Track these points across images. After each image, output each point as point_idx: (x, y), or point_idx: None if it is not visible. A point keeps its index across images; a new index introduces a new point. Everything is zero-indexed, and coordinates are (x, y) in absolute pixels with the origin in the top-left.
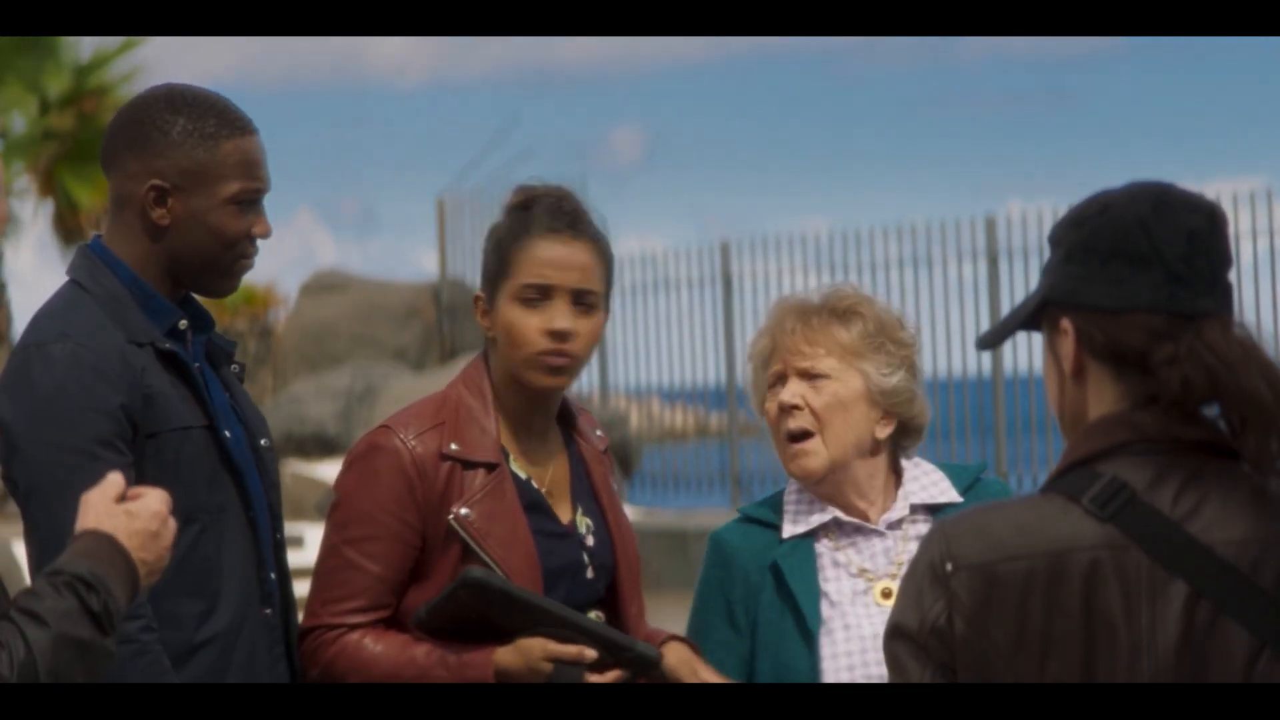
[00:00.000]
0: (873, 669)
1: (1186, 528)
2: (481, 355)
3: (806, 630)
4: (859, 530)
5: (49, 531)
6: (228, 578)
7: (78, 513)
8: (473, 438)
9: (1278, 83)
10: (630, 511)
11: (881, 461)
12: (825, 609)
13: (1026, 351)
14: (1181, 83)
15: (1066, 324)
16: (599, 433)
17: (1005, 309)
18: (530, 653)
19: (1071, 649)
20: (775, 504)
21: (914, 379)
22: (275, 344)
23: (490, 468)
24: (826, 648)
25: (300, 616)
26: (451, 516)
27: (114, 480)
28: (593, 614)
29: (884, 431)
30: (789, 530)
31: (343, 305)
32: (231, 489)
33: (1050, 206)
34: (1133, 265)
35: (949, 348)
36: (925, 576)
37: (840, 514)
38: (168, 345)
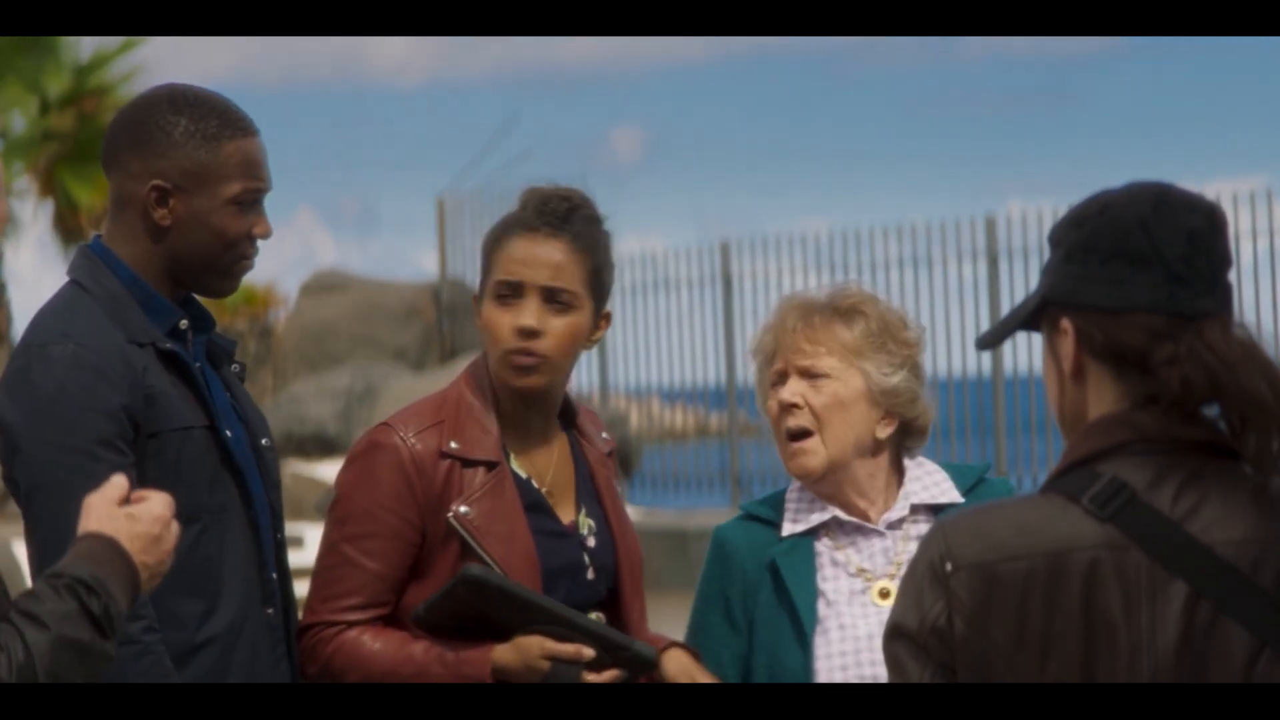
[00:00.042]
0: (866, 669)
1: (1186, 528)
2: (483, 354)
3: (801, 630)
4: (859, 530)
5: (50, 532)
6: (229, 577)
7: (79, 514)
8: (473, 436)
9: (1278, 83)
10: (630, 511)
11: (883, 461)
12: (822, 608)
13: (1026, 351)
14: (1181, 83)
15: (1066, 324)
16: (605, 435)
17: (1005, 309)
18: (528, 650)
19: (1071, 649)
20: (777, 502)
21: (917, 379)
22: (275, 344)
23: (490, 466)
24: (821, 647)
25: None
26: (450, 514)
27: (118, 483)
28: (593, 615)
29: (885, 431)
30: (788, 528)
31: (343, 305)
32: (233, 489)
33: (1050, 206)
34: (1133, 265)
35: (949, 348)
36: (925, 576)
37: (840, 513)
38: (168, 345)
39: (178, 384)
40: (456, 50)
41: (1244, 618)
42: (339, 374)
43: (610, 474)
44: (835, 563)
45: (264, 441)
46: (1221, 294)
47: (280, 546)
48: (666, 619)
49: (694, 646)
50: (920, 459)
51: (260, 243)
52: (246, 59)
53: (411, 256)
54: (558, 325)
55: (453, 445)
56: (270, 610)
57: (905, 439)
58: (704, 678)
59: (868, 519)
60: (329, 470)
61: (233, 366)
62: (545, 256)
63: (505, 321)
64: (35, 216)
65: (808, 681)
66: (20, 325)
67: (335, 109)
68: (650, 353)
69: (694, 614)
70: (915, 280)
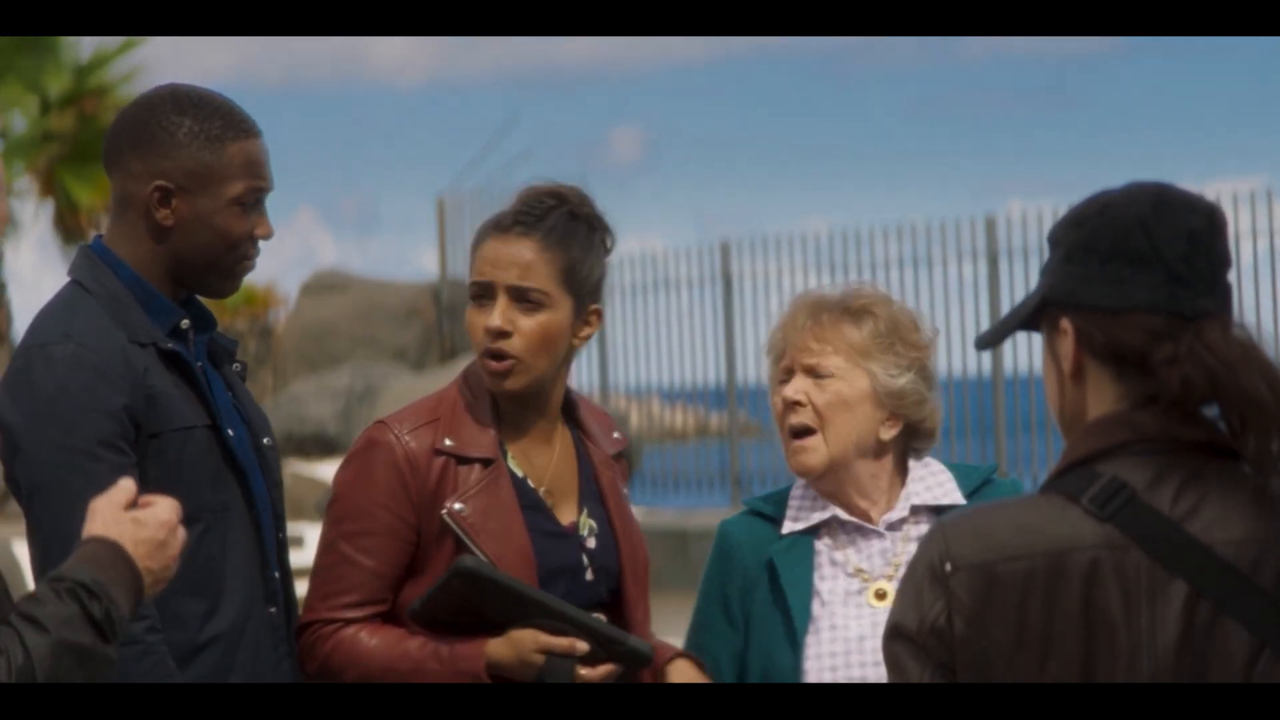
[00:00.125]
0: (855, 670)
1: (1186, 527)
2: None
3: (793, 629)
4: (859, 530)
5: (51, 532)
6: (231, 577)
7: (81, 514)
8: (469, 434)
9: (1278, 83)
10: None
11: (887, 463)
12: (816, 608)
13: (1026, 351)
14: (1181, 83)
15: (1066, 324)
16: (615, 435)
17: (1005, 309)
18: (522, 644)
19: (1071, 649)
20: (781, 499)
21: (925, 382)
22: (275, 344)
23: (486, 464)
24: (812, 647)
25: None
26: (444, 511)
27: (125, 487)
28: (594, 616)
29: (889, 433)
30: (789, 526)
31: (343, 305)
32: (235, 488)
33: (1050, 206)
34: (1132, 265)
35: (949, 348)
36: (925, 577)
37: (840, 512)
38: (170, 345)
39: (179, 384)
40: (456, 50)
41: (1244, 618)
42: (339, 374)
43: (616, 475)
44: (834, 562)
45: (266, 441)
46: (1221, 294)
47: (282, 546)
48: (667, 619)
49: (695, 641)
50: (927, 460)
51: (260, 243)
52: (246, 59)
53: (411, 256)
54: (527, 325)
55: (447, 443)
56: (273, 609)
57: (912, 440)
58: None
59: (869, 519)
60: (329, 470)
61: (234, 366)
62: (513, 256)
63: (478, 323)
64: (35, 216)
65: (797, 681)
66: (20, 325)
67: (335, 109)
68: (650, 353)
69: (696, 609)
70: (915, 280)
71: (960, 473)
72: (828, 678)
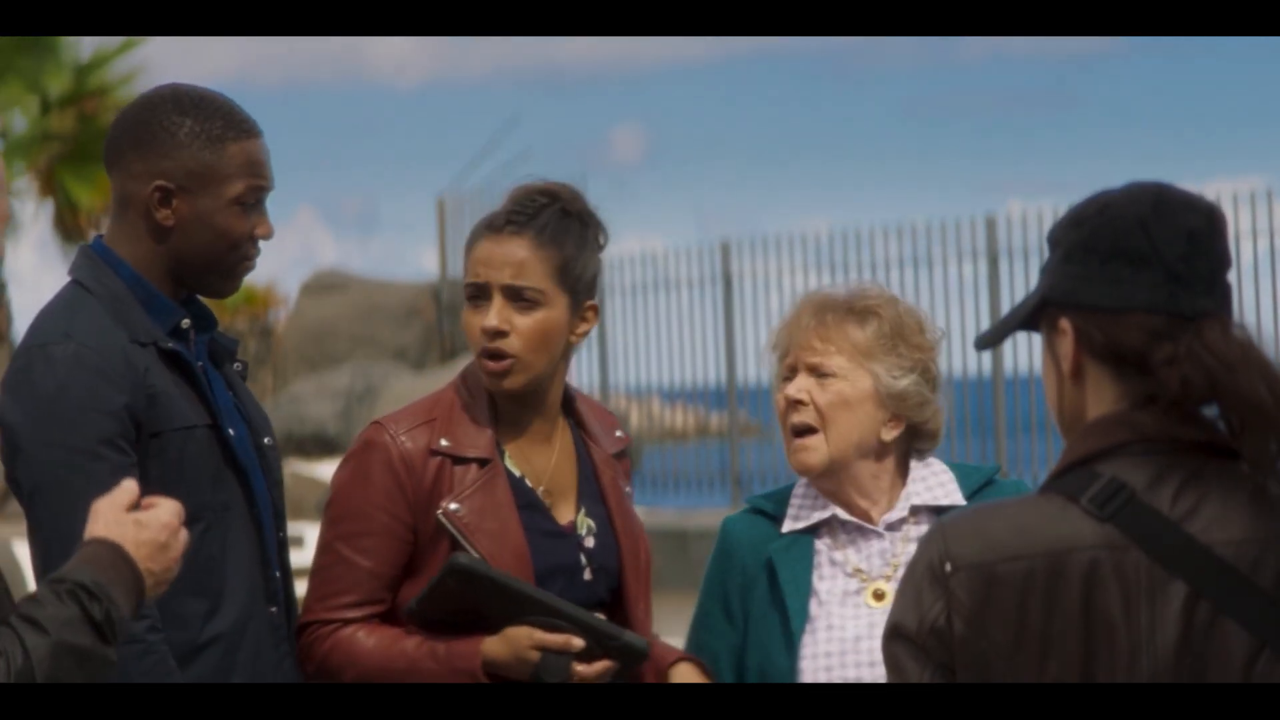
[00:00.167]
0: (850, 671)
1: (1186, 528)
2: None
3: (790, 628)
4: (859, 530)
5: (52, 531)
6: (232, 576)
7: (82, 513)
8: (465, 434)
9: (1278, 83)
10: None
11: (889, 463)
12: (814, 607)
13: (1026, 351)
14: (1181, 83)
15: (1065, 324)
16: (618, 433)
17: (1005, 309)
18: (517, 641)
19: (1071, 649)
20: (783, 497)
21: (928, 384)
22: (275, 344)
23: (483, 464)
24: (808, 647)
25: None
26: (440, 511)
27: (127, 488)
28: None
29: (890, 434)
30: (789, 525)
31: (343, 305)
32: (236, 487)
33: (1050, 206)
34: (1132, 265)
35: (949, 348)
36: (924, 577)
37: (841, 512)
38: (170, 345)
39: (180, 383)
40: (456, 50)
41: (1243, 618)
42: (339, 374)
43: (617, 474)
44: (833, 562)
45: (266, 440)
46: (1221, 294)
47: (283, 545)
48: (667, 619)
49: (696, 638)
50: (929, 459)
51: (261, 243)
52: (246, 59)
53: (411, 256)
54: (524, 323)
55: (443, 443)
56: (274, 609)
57: (915, 441)
58: None
59: (869, 519)
60: (329, 470)
61: (235, 365)
62: (506, 255)
63: (475, 323)
64: (35, 216)
65: (793, 680)
66: (20, 325)
67: (335, 109)
68: (650, 353)
69: (697, 606)
70: (915, 280)
71: (962, 473)
72: (822, 678)
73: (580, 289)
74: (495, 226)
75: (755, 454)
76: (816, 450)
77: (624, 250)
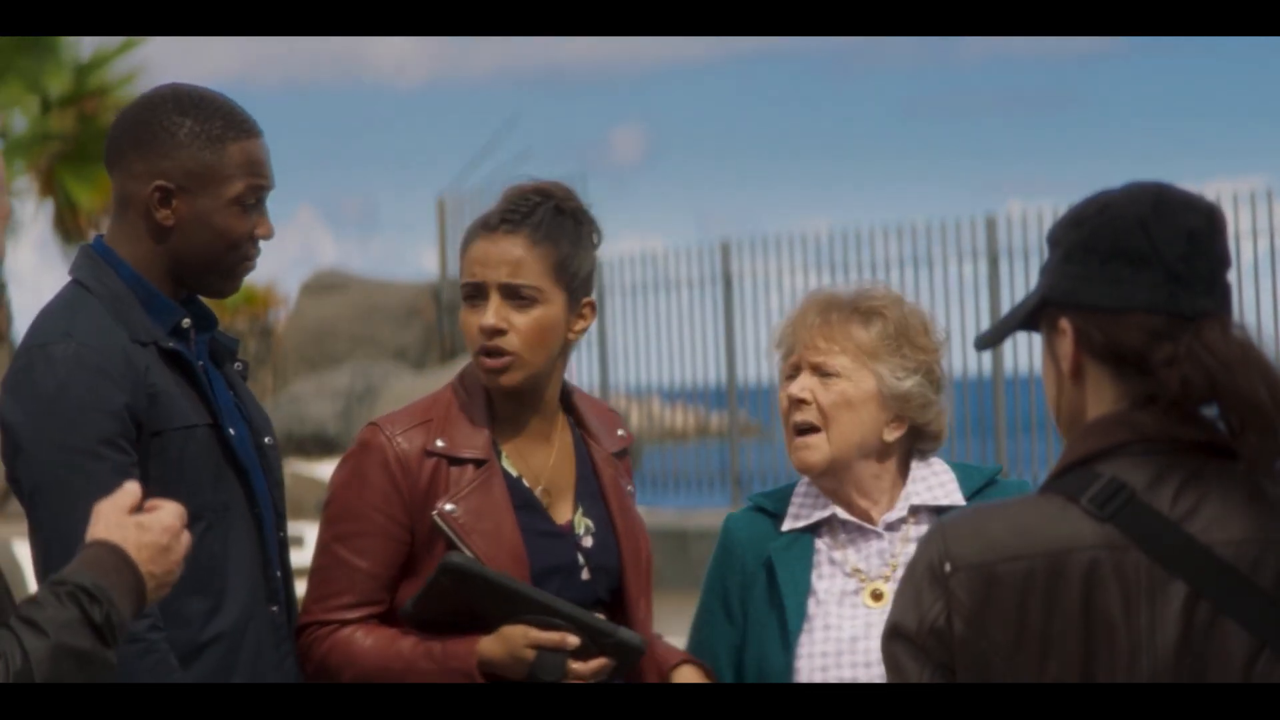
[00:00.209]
0: (845, 671)
1: (1185, 528)
2: None
3: (788, 628)
4: (859, 530)
5: (52, 531)
6: (233, 575)
7: (83, 513)
8: (461, 434)
9: (1278, 83)
10: None
11: (890, 464)
12: (812, 607)
13: (1026, 351)
14: (1181, 83)
15: (1065, 324)
16: (620, 432)
17: (1005, 309)
18: (512, 640)
19: (1071, 649)
20: (785, 496)
21: (932, 385)
22: (275, 344)
23: (479, 464)
24: (804, 646)
25: None
26: (435, 512)
27: (129, 490)
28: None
29: (893, 435)
30: (789, 524)
31: (343, 305)
32: (236, 487)
33: (1050, 206)
34: (1132, 265)
35: (949, 348)
36: (924, 577)
37: (841, 512)
38: (171, 344)
39: (180, 383)
40: (456, 50)
41: (1243, 618)
42: (339, 374)
43: (618, 473)
44: (833, 561)
45: (267, 440)
46: (1221, 294)
47: (283, 545)
48: (667, 618)
49: (696, 635)
50: (932, 459)
51: (261, 242)
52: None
53: (411, 256)
54: (522, 321)
55: (439, 444)
56: (275, 608)
57: (918, 442)
58: None
59: (869, 519)
60: (329, 470)
61: (235, 365)
62: (502, 254)
63: (473, 323)
64: (35, 216)
65: (788, 680)
66: (20, 325)
67: (335, 109)
68: (650, 353)
69: (699, 603)
70: (915, 280)
71: (964, 473)
72: (818, 677)
73: (577, 286)
74: (490, 226)
75: (755, 454)
76: (818, 449)
77: (624, 250)
